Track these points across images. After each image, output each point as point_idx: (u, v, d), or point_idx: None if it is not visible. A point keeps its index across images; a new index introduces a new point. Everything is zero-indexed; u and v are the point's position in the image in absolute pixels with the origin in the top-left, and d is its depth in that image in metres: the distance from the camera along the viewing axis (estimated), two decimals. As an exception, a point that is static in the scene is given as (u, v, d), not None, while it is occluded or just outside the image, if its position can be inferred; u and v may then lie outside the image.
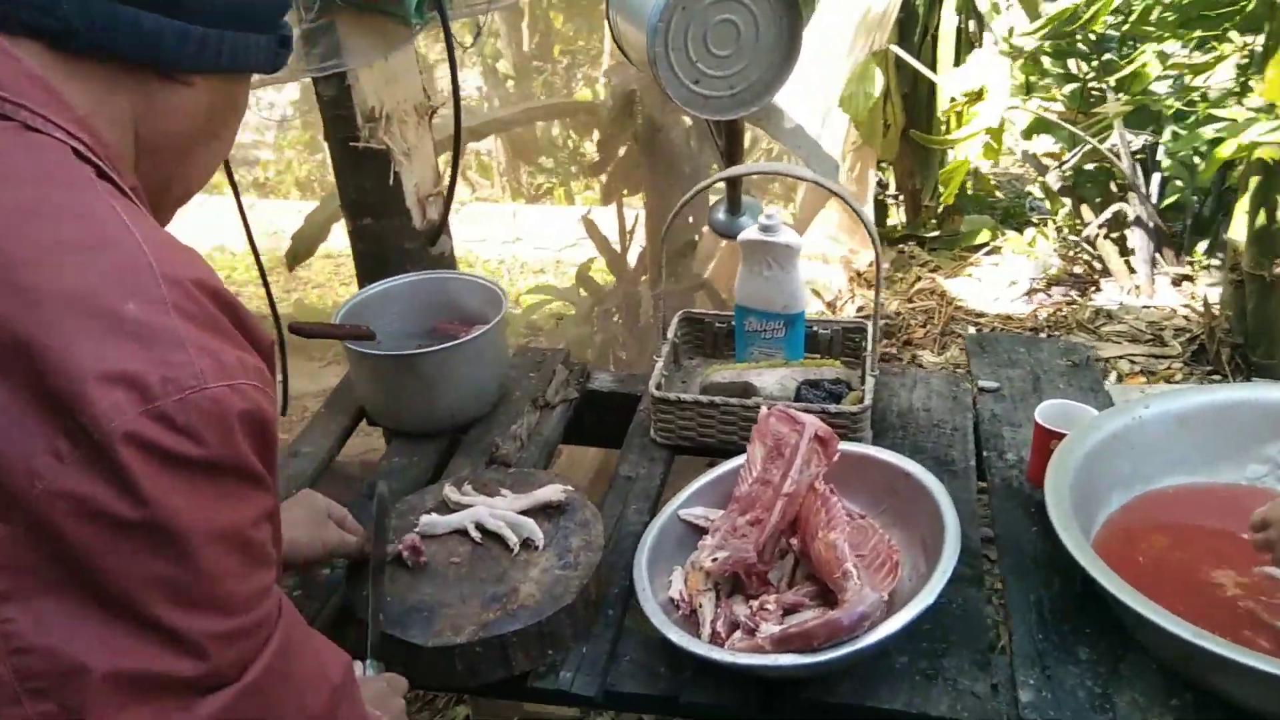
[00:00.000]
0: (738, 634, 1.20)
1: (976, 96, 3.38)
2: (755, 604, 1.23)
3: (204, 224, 1.89)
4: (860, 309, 3.60)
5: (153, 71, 0.74)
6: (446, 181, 1.79)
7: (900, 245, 4.16)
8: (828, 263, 3.84)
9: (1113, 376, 3.05)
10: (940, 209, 4.33)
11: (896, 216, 4.40)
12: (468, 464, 1.60)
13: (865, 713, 1.17)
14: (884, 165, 4.19)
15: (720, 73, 1.74)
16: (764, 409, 1.33)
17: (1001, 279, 3.79)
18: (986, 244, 4.13)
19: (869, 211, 3.97)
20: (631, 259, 2.40)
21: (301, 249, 2.26)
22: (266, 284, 1.80)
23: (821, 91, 3.57)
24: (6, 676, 0.61)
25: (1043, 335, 3.34)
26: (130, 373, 0.62)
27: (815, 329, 1.76)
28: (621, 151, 2.30)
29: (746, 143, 3.06)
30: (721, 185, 2.09)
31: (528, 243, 4.26)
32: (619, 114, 2.17)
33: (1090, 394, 1.68)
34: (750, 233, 1.62)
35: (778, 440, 1.30)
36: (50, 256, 0.64)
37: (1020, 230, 4.22)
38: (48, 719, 0.62)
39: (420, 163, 1.79)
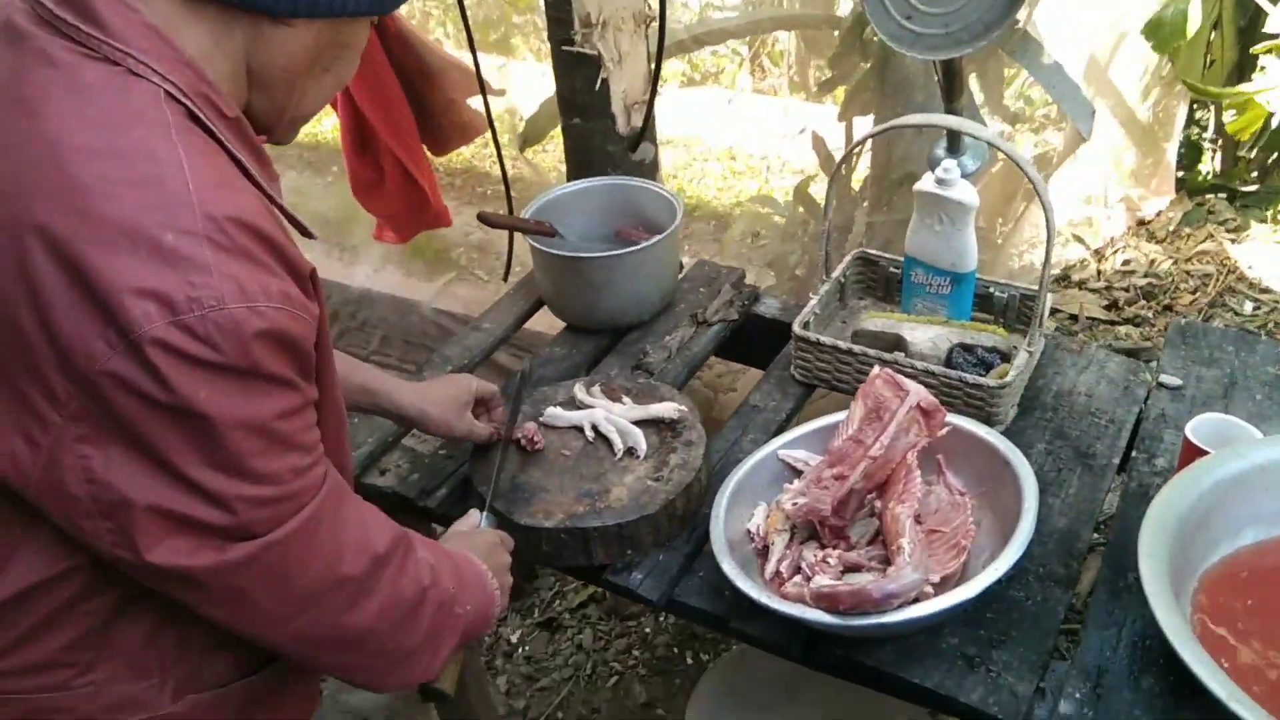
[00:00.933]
0: (797, 578, 1.25)
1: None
2: (820, 554, 1.27)
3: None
4: (1127, 263, 3.30)
5: (260, 14, 0.86)
6: (651, 88, 1.85)
7: (1205, 196, 3.72)
8: (1107, 206, 3.53)
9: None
10: (1269, 160, 3.81)
11: (1210, 164, 3.92)
12: (618, 364, 1.71)
13: (896, 681, 1.20)
14: (1200, 104, 3.73)
15: (935, 9, 1.66)
16: (875, 369, 1.33)
17: (1316, 251, 3.33)
18: (1312, 208, 3.61)
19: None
20: (856, 183, 2.34)
21: (532, 134, 2.41)
22: (502, 164, 1.97)
23: (1129, 8, 3.21)
24: (84, 498, 0.80)
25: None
26: (161, 290, 0.76)
27: (991, 290, 1.69)
28: (857, 73, 2.24)
29: (1007, 72, 2.86)
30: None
31: (797, 140, 4.21)
32: (852, 32, 2.11)
33: (1287, 412, 1.52)
34: (925, 184, 1.57)
35: (879, 403, 1.30)
36: (112, 189, 0.77)
37: (1366, 198, 3.64)
38: (110, 533, 0.81)
39: (631, 70, 1.86)
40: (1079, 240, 3.36)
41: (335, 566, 0.92)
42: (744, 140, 4.32)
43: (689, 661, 2.14)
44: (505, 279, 2.36)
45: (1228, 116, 3.35)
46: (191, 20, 0.84)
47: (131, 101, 0.81)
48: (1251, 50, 3.29)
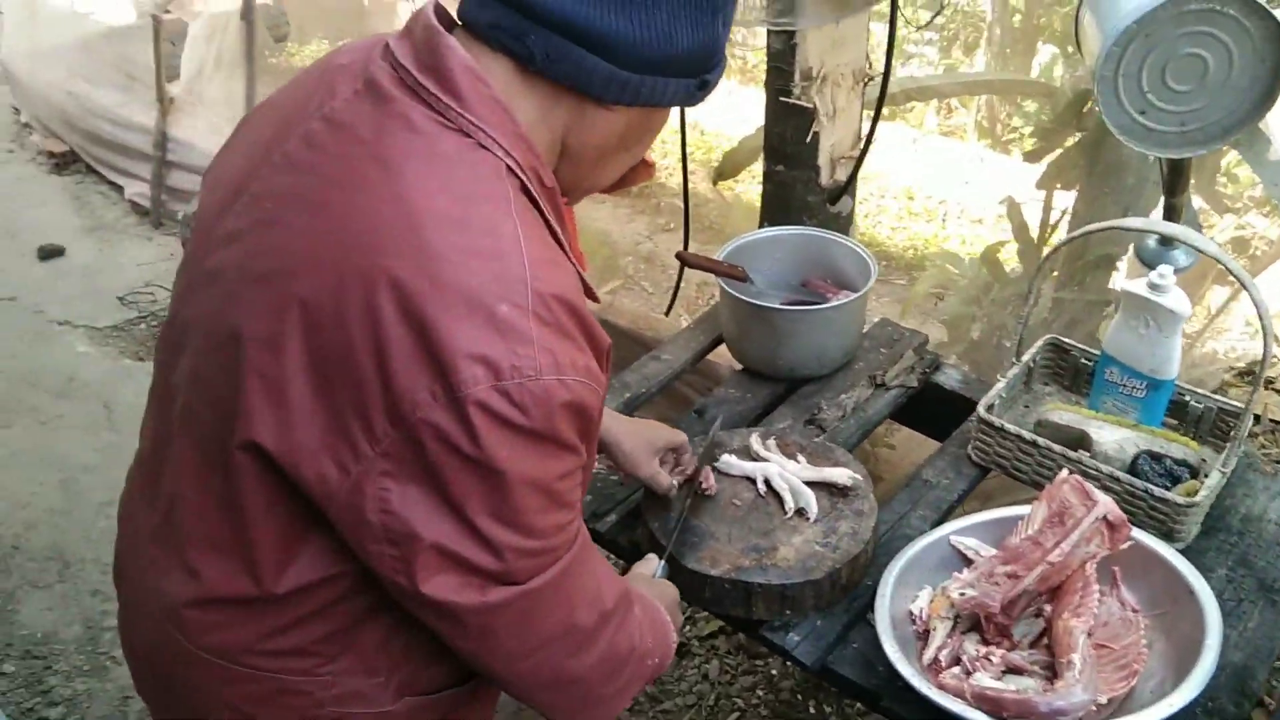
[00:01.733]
0: (956, 669, 1.26)
1: None
2: (983, 650, 1.27)
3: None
4: (1318, 374, 3.12)
5: (586, 97, 0.94)
6: (862, 146, 1.87)
7: None
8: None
9: None
10: None
11: None
12: (790, 415, 1.74)
13: (1044, 794, 1.19)
14: None
15: (1173, 107, 1.63)
16: (1064, 472, 1.32)
17: None
18: None
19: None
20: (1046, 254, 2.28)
21: (728, 168, 2.44)
22: (686, 201, 2.03)
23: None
24: (377, 525, 0.89)
25: None
26: (490, 356, 0.84)
27: (1187, 398, 1.64)
28: (1069, 141, 2.20)
29: (1222, 161, 2.74)
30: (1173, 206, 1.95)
31: (977, 188, 4.14)
32: (1070, 108, 2.07)
33: None
34: (1136, 286, 1.54)
35: (1064, 507, 1.29)
36: (460, 258, 0.86)
37: None
38: (393, 559, 0.90)
39: (843, 125, 1.88)
40: (1278, 339, 3.19)
41: (571, 616, 1.00)
42: (924, 181, 4.27)
43: (811, 711, 2.15)
44: (668, 314, 2.41)
45: None
46: (526, 93, 0.93)
47: (480, 174, 0.90)
48: None
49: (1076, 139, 2.15)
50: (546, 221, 0.96)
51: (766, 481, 1.50)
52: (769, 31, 1.82)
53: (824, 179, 1.91)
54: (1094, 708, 1.15)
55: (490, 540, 0.89)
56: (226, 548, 0.98)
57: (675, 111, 1.92)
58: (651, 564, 1.37)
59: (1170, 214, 1.78)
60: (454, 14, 0.97)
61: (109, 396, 3.22)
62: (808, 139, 1.85)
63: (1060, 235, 2.32)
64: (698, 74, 0.97)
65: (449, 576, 0.90)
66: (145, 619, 1.10)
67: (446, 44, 0.91)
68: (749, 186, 4.07)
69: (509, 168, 0.91)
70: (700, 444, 1.55)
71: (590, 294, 1.03)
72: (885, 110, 1.78)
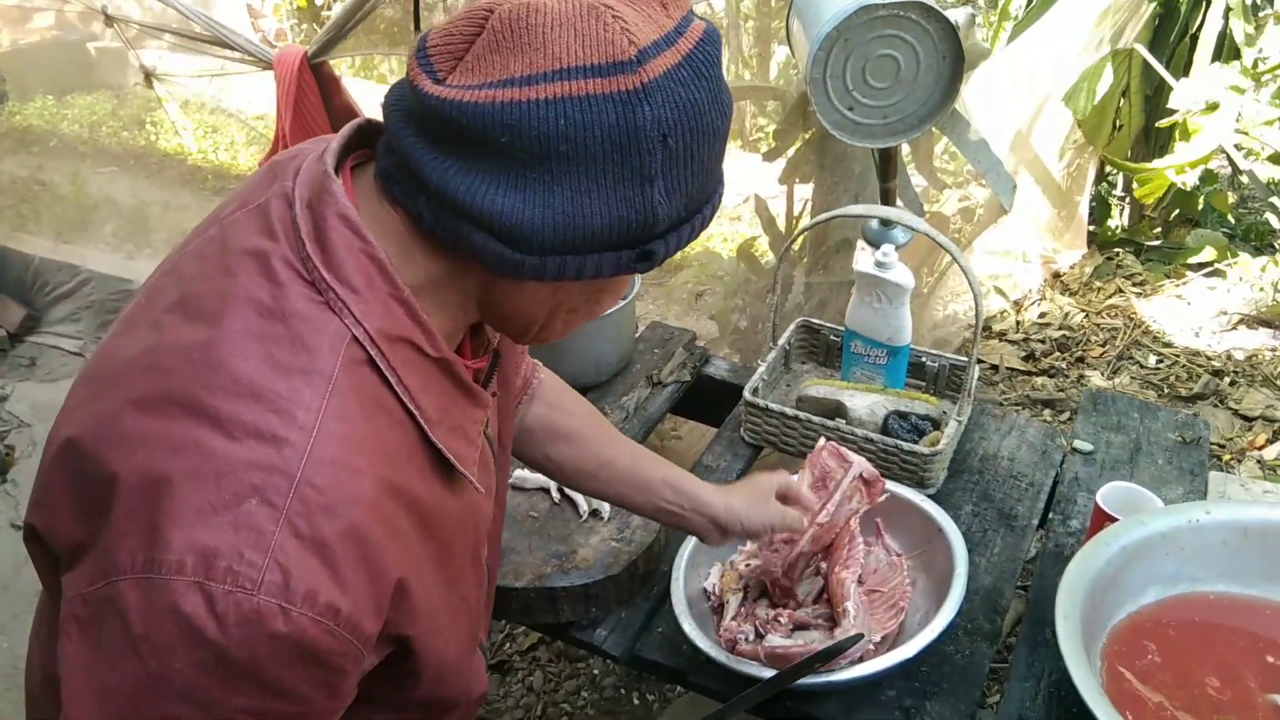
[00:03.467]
0: (748, 635, 1.36)
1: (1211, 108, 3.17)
2: (772, 613, 1.38)
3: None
4: (1043, 315, 3.52)
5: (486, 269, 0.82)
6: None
7: (1113, 251, 3.98)
8: (1026, 261, 3.75)
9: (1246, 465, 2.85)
10: (1170, 217, 4.09)
11: (1118, 219, 4.19)
12: (577, 424, 1.81)
13: (841, 731, 1.32)
14: (1111, 164, 3.99)
15: (875, 102, 1.81)
16: (821, 440, 1.46)
17: (1212, 306, 3.58)
18: (1210, 264, 3.89)
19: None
20: (797, 245, 2.47)
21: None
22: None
23: (1048, 80, 3.45)
24: (36, 688, 0.84)
25: (1227, 379, 3.17)
26: (210, 548, 0.72)
27: (924, 359, 1.83)
28: (800, 141, 2.39)
29: (939, 145, 3.04)
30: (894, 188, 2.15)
31: (732, 188, 4.37)
32: (796, 108, 2.26)
33: (1187, 476, 1.68)
34: (865, 265, 1.71)
35: (825, 473, 1.43)
36: (237, 432, 0.75)
37: (1258, 254, 3.93)
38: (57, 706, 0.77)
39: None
40: (1000, 292, 3.57)
41: None
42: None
43: (635, 702, 2.24)
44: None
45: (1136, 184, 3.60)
46: (427, 251, 0.83)
47: (309, 342, 0.79)
48: (1157, 125, 3.54)
49: (807, 136, 2.34)
50: (408, 399, 0.83)
51: (560, 489, 1.56)
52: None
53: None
54: (871, 646, 1.28)
55: None
56: (47, 625, 0.91)
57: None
58: None
59: (886, 197, 1.98)
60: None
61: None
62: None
63: (802, 226, 2.51)
64: (634, 245, 0.81)
65: None
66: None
67: (330, 188, 0.82)
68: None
69: (355, 337, 0.80)
70: None
71: (472, 482, 0.92)
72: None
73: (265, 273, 0.81)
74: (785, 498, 1.35)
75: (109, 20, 2.86)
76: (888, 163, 2.04)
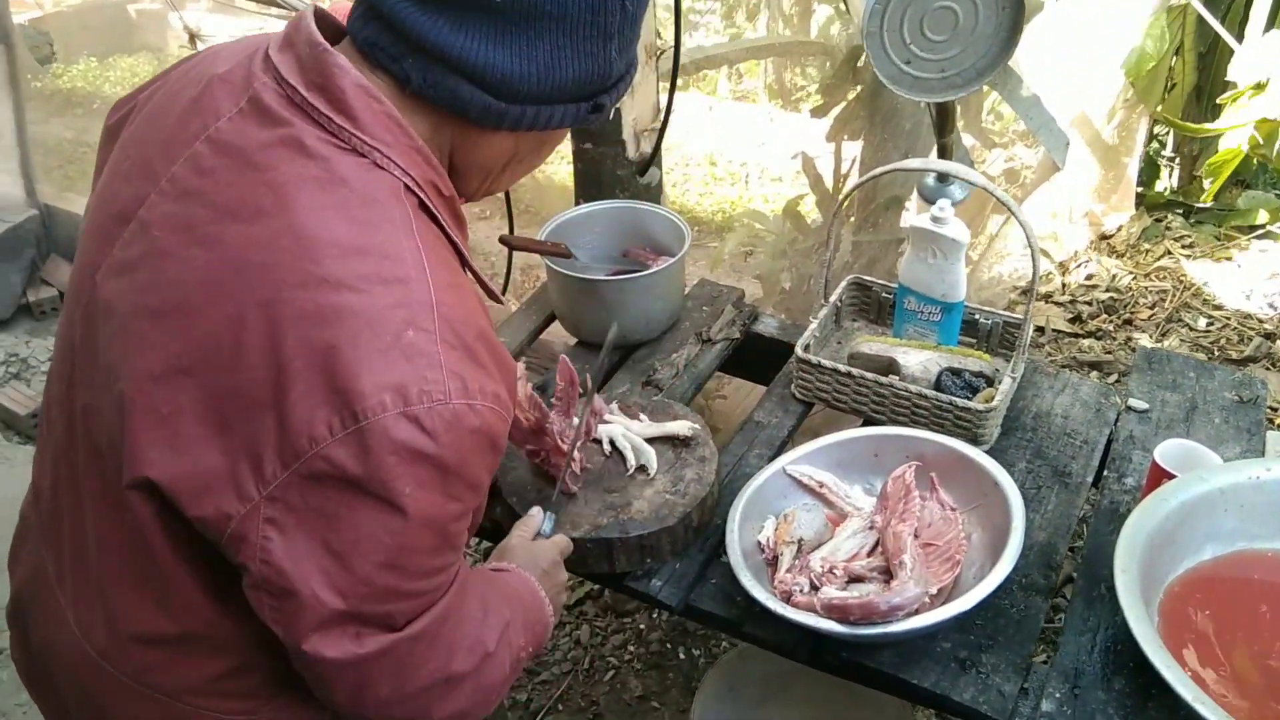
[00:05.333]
0: (803, 587, 1.37)
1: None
2: (826, 565, 1.39)
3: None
4: (1090, 277, 3.47)
5: (467, 122, 0.92)
6: (662, 118, 1.96)
7: (1162, 213, 3.91)
8: (1071, 221, 3.70)
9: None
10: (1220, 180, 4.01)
11: (1167, 180, 4.11)
12: (628, 380, 1.82)
13: (896, 683, 1.33)
14: (1163, 123, 3.91)
15: (933, 56, 1.78)
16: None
17: (1264, 269, 3.52)
18: (1262, 226, 3.81)
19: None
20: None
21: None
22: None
23: (1098, 36, 3.38)
24: (257, 574, 0.86)
25: (1274, 343, 3.12)
26: (397, 382, 0.81)
27: (977, 316, 1.82)
28: (850, 94, 2.36)
29: (986, 102, 3.00)
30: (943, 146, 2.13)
31: (773, 147, 4.34)
32: (846, 63, 2.23)
33: (1244, 435, 1.67)
34: (920, 220, 1.69)
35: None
36: (363, 284, 0.83)
37: (1313, 216, 3.85)
38: (272, 610, 0.87)
39: (641, 99, 1.96)
40: (1045, 254, 3.53)
41: (449, 664, 0.96)
42: (723, 146, 4.44)
43: (681, 657, 2.26)
44: (502, 296, 2.46)
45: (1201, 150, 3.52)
46: (412, 111, 0.91)
47: (378, 196, 0.88)
48: (1218, 100, 3.45)
49: (856, 92, 2.31)
50: (447, 234, 0.94)
51: (611, 442, 1.57)
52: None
53: (630, 153, 1.99)
54: (927, 599, 1.29)
55: (374, 585, 0.86)
56: (141, 585, 0.96)
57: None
58: (533, 521, 1.37)
59: (942, 152, 1.96)
60: (334, 18, 0.95)
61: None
62: (610, 115, 1.92)
63: (852, 183, 2.50)
64: (590, 98, 0.95)
65: (326, 632, 0.86)
66: (67, 658, 1.05)
67: (335, 62, 0.88)
68: (559, 167, 4.14)
69: (406, 186, 0.89)
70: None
71: (492, 294, 1.03)
72: (679, 80, 1.88)
73: (302, 152, 0.87)
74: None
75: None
76: (944, 118, 2.01)
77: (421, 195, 0.91)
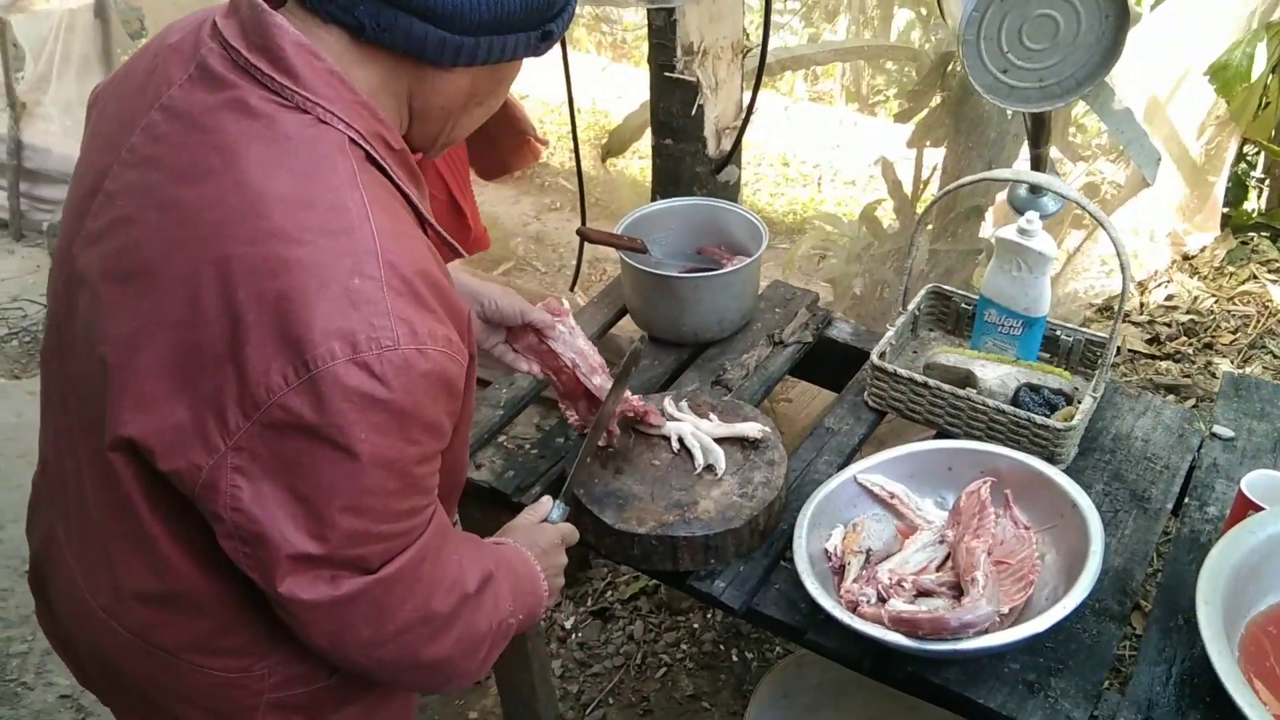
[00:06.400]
0: (870, 598, 1.35)
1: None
2: (894, 578, 1.37)
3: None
4: (1170, 297, 3.38)
5: (423, 62, 0.94)
6: (744, 117, 1.94)
7: (1248, 235, 3.79)
8: (1153, 240, 3.60)
9: None
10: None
11: (1255, 202, 3.99)
12: (697, 378, 1.81)
13: (961, 700, 1.30)
14: (1250, 142, 3.79)
15: (1031, 65, 1.75)
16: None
17: (1355, 298, 3.40)
18: (1354, 253, 3.68)
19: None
20: (921, 209, 2.42)
21: (615, 145, 2.50)
22: (580, 178, 2.06)
23: (1190, 50, 3.28)
24: (229, 523, 0.88)
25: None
26: (345, 329, 0.83)
27: (1058, 333, 1.78)
28: (935, 101, 2.32)
29: (1077, 112, 2.93)
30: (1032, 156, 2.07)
31: (848, 150, 4.29)
32: (935, 69, 2.20)
33: (1335, 470, 1.61)
34: (1007, 232, 1.66)
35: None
36: (309, 236, 0.86)
37: None
38: (246, 557, 0.90)
39: (725, 97, 1.95)
40: (1125, 272, 3.43)
41: (428, 603, 0.99)
42: (798, 147, 4.41)
43: (734, 659, 2.25)
44: (573, 289, 2.47)
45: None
46: (364, 62, 0.93)
47: (322, 150, 0.90)
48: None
49: (941, 99, 2.28)
50: (397, 186, 0.96)
51: (680, 440, 1.57)
52: (649, 10, 1.88)
53: (711, 150, 1.98)
54: (998, 618, 1.26)
55: (342, 530, 0.88)
56: (134, 546, 0.99)
57: (563, 91, 1.97)
58: (541, 508, 1.38)
59: (1036, 164, 1.92)
60: None
61: (-14, 418, 3.08)
62: (693, 112, 1.91)
63: (932, 190, 2.46)
64: (539, 25, 0.97)
65: (301, 575, 0.89)
66: (79, 618, 1.10)
67: (274, 22, 0.90)
68: (631, 163, 4.14)
69: (350, 140, 0.91)
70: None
71: (454, 249, 1.05)
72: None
73: (247, 112, 0.90)
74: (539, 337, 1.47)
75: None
76: (1040, 129, 1.97)
77: (368, 148, 0.93)
